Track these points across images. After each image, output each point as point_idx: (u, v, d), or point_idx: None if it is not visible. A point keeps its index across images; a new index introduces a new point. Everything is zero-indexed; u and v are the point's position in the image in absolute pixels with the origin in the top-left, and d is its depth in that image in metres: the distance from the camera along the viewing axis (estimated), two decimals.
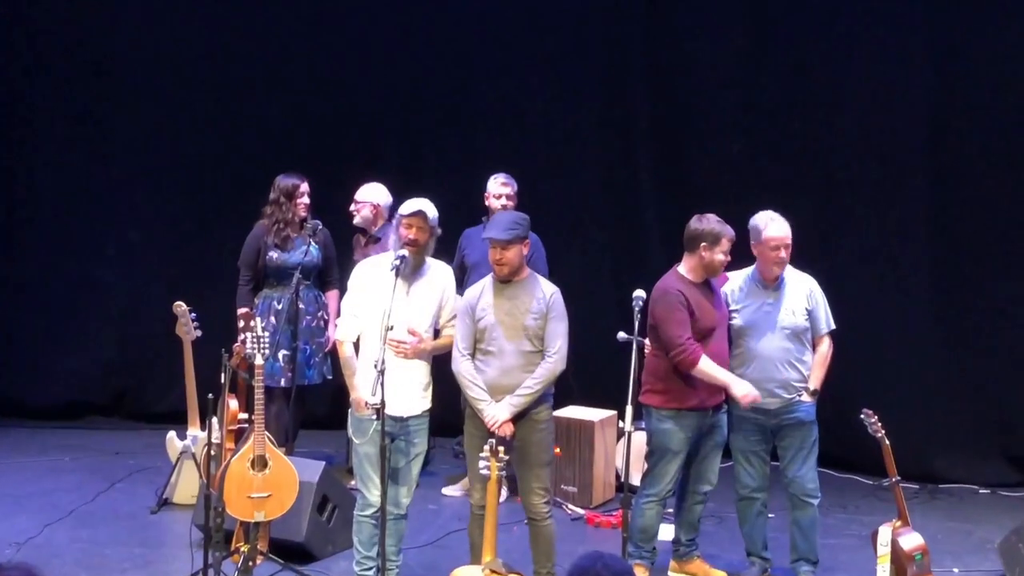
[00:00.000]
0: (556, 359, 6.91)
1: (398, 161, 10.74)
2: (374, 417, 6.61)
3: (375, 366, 6.49)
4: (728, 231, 7.34)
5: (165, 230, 11.12)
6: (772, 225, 7.40)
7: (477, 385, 6.92)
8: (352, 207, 9.34)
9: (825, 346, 7.56)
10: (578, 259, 10.47)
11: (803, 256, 7.75)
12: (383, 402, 6.51)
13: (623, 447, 7.03)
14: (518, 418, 6.91)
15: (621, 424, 7.06)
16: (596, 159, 10.69)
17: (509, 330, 6.88)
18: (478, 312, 6.93)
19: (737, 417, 7.53)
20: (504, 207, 8.87)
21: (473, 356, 6.97)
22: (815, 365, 7.51)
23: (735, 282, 7.58)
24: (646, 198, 10.50)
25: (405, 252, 6.85)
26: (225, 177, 10.89)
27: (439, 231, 6.99)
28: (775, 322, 7.42)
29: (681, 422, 7.33)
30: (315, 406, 9.89)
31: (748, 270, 7.57)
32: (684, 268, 7.39)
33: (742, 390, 7.23)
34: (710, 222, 7.34)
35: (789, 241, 7.40)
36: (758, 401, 7.28)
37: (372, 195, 9.35)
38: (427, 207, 6.93)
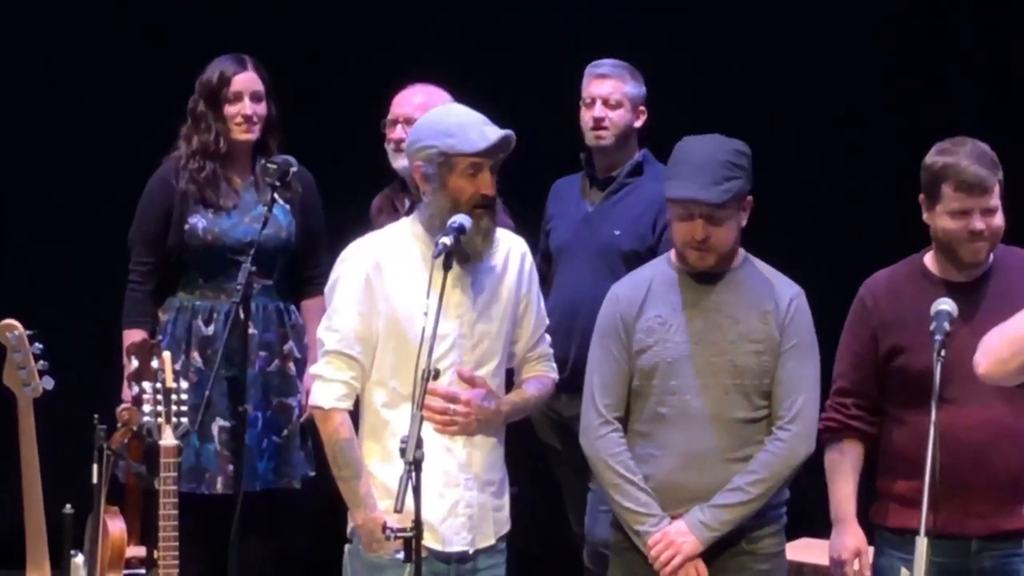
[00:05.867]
0: (798, 433, 4.35)
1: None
2: (400, 557, 4.23)
3: (402, 453, 4.07)
4: (956, 163, 4.26)
5: None
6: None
7: (633, 483, 4.42)
8: (387, 128, 5.65)
9: None
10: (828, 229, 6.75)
11: None
12: (419, 524, 4.07)
13: None
14: (715, 553, 4.39)
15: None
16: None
17: (706, 374, 4.40)
18: (640, 334, 4.44)
19: None
20: (602, 123, 5.59)
21: (624, 426, 4.48)
22: None
23: None
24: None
25: (463, 220, 4.31)
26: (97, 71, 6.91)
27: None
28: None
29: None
30: (289, 535, 6.13)
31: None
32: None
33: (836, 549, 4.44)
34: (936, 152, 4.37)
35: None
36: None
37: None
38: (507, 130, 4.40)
